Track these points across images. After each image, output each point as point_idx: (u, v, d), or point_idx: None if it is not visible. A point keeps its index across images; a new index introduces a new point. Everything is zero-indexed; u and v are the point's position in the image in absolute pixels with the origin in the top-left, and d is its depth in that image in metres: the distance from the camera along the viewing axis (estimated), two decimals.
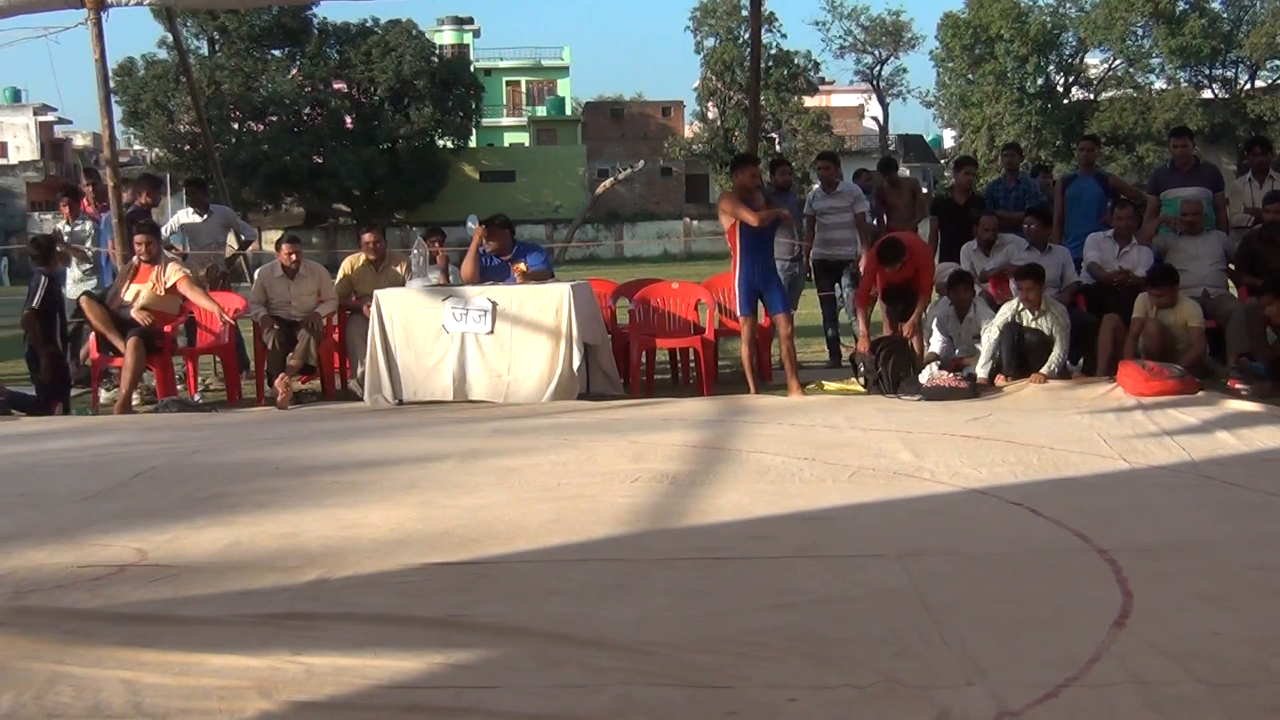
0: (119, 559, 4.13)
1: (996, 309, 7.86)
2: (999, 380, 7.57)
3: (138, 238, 8.50)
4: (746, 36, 43.79)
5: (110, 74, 10.50)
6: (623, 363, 8.42)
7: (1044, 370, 7.47)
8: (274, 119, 46.94)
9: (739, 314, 8.01)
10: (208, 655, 3.11)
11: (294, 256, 8.59)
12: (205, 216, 9.88)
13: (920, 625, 3.18)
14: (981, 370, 7.58)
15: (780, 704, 2.73)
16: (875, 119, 57.51)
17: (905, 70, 67.48)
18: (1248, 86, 48.15)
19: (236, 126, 46.56)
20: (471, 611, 3.45)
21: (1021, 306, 7.62)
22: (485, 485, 5.20)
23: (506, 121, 59.05)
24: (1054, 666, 2.85)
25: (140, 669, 3.04)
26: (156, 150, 46.69)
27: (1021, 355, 7.63)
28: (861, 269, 8.69)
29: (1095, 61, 49.17)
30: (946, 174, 44.86)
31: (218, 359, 9.54)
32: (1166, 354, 7.42)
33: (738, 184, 7.99)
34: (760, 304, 8.06)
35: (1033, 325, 7.63)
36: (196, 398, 8.60)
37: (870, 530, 4.30)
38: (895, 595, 3.48)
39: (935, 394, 7.29)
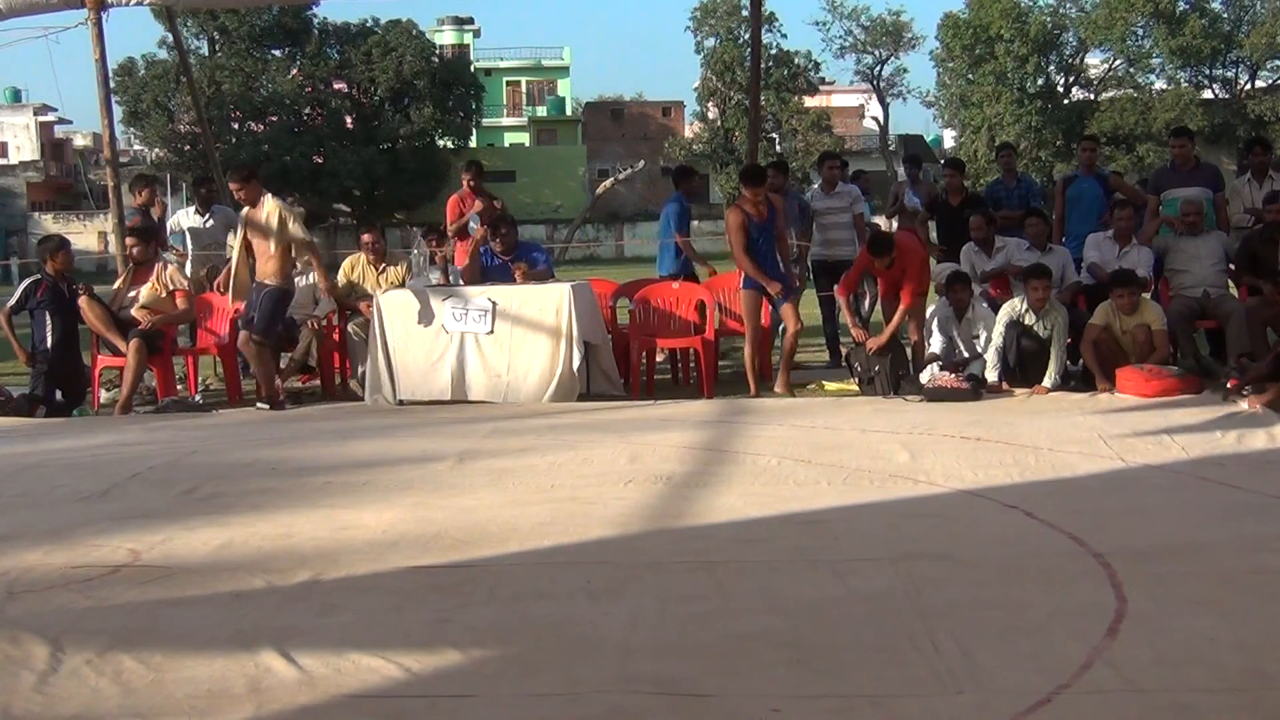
0: (112, 560, 4.13)
1: (996, 309, 7.82)
2: (1005, 386, 7.49)
3: (127, 241, 8.57)
4: (746, 36, 43.72)
5: (110, 74, 10.50)
6: (623, 363, 8.40)
7: (1046, 384, 7.40)
8: (274, 119, 46.85)
9: (741, 288, 8.09)
10: (186, 659, 3.11)
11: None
12: (206, 217, 9.88)
13: (912, 631, 3.16)
14: (992, 374, 7.54)
15: (763, 715, 2.69)
16: (875, 119, 57.38)
17: (905, 70, 66.98)
18: (1248, 86, 48.01)
19: (237, 126, 46.47)
20: (459, 615, 3.44)
21: (1026, 307, 7.58)
22: (480, 486, 5.19)
23: (507, 122, 58.95)
24: (1047, 673, 2.83)
25: (126, 671, 3.03)
26: (156, 150, 46.61)
27: (1020, 362, 7.59)
28: None
29: (1095, 61, 49.02)
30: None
31: (218, 359, 9.53)
32: (1125, 361, 7.36)
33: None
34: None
35: (1034, 326, 7.57)
36: (196, 398, 8.60)
37: (864, 534, 4.28)
38: (887, 600, 3.46)
39: (937, 395, 7.27)
